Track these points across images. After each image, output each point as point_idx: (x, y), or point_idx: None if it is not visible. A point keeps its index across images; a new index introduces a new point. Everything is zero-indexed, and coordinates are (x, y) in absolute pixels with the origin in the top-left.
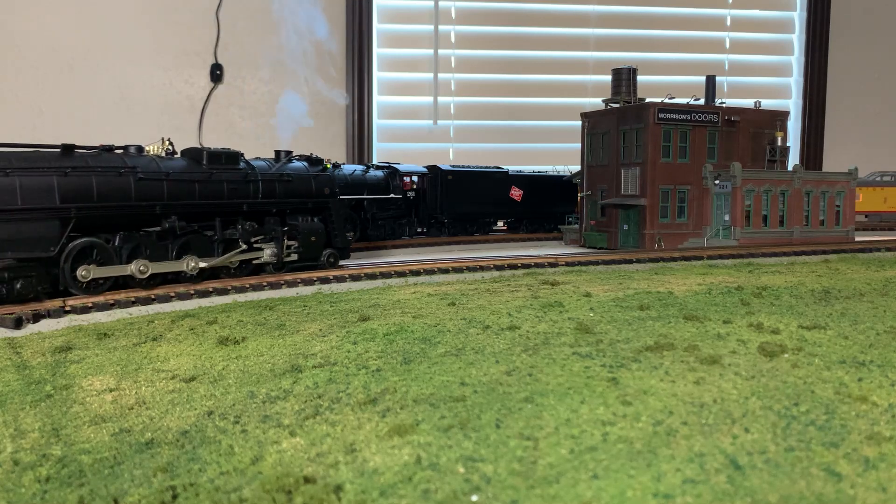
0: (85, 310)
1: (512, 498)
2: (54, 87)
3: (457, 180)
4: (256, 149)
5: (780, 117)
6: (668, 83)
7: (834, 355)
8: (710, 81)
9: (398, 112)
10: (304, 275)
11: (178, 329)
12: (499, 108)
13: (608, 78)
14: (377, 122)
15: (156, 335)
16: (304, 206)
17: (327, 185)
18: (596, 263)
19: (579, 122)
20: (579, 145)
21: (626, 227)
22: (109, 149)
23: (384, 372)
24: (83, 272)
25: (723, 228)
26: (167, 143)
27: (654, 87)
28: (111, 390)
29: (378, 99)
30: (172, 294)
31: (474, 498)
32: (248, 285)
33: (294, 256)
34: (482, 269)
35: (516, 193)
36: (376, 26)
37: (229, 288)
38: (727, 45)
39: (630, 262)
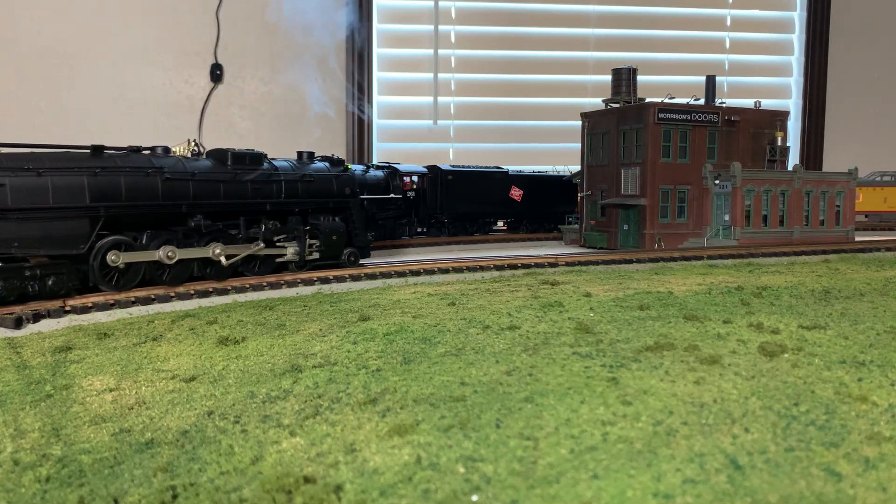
0: (85, 310)
1: (512, 498)
2: (54, 87)
3: (457, 180)
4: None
5: (780, 117)
6: (668, 83)
7: (834, 355)
8: (710, 81)
9: (398, 112)
10: (304, 275)
11: (178, 329)
12: (499, 108)
13: (608, 78)
14: (377, 122)
15: (156, 335)
16: (326, 206)
17: (348, 185)
18: (596, 263)
19: (579, 122)
20: (579, 145)
21: (626, 227)
22: (137, 149)
23: (384, 372)
24: (113, 257)
25: (723, 228)
26: (193, 143)
27: (654, 87)
28: (111, 390)
29: (378, 99)
30: (172, 294)
31: (474, 498)
32: (248, 285)
33: (316, 255)
34: (482, 269)
35: (516, 193)
36: (376, 26)
37: (229, 288)
38: (727, 45)
39: (630, 262)
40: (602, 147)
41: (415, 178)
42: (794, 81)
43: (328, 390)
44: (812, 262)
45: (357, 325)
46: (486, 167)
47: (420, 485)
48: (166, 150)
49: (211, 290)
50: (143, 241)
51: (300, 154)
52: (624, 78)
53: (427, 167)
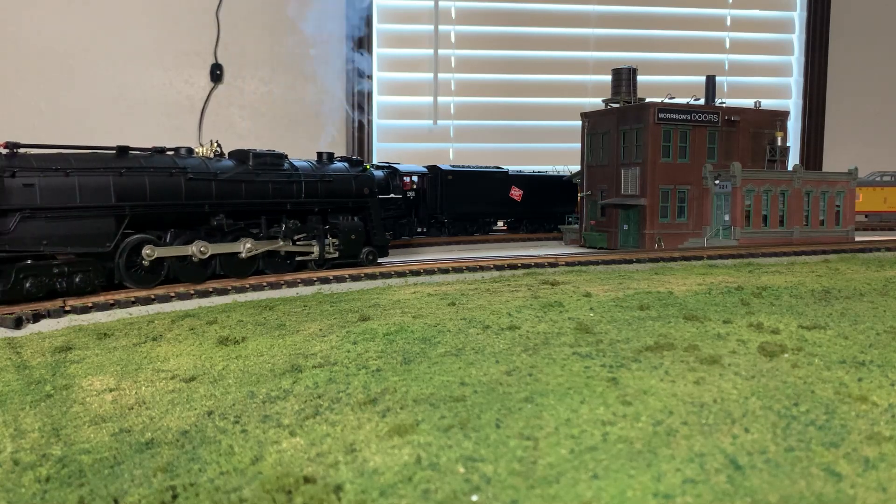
0: (85, 310)
1: (512, 498)
2: (54, 87)
3: (457, 180)
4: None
5: (780, 117)
6: (668, 83)
7: (834, 355)
8: (710, 81)
9: (398, 112)
10: (304, 275)
11: (178, 329)
12: (499, 108)
13: (608, 78)
14: (377, 122)
15: (156, 335)
16: (345, 206)
17: (367, 185)
18: (596, 263)
19: (579, 122)
20: (579, 145)
21: (626, 227)
22: (161, 150)
23: (384, 372)
24: (148, 251)
25: (723, 228)
26: (215, 144)
27: (654, 87)
28: (111, 390)
29: (378, 99)
30: (172, 294)
31: (474, 498)
32: (247, 285)
33: (335, 254)
34: (482, 269)
35: (516, 193)
36: (376, 26)
37: (229, 288)
38: (727, 45)
39: (630, 262)
40: (602, 147)
41: (415, 178)
42: (794, 81)
43: (328, 390)
44: (812, 262)
45: (357, 325)
46: (486, 167)
47: (420, 485)
48: (189, 150)
49: (211, 290)
50: (167, 240)
51: (320, 155)
52: (624, 78)
53: (427, 167)
